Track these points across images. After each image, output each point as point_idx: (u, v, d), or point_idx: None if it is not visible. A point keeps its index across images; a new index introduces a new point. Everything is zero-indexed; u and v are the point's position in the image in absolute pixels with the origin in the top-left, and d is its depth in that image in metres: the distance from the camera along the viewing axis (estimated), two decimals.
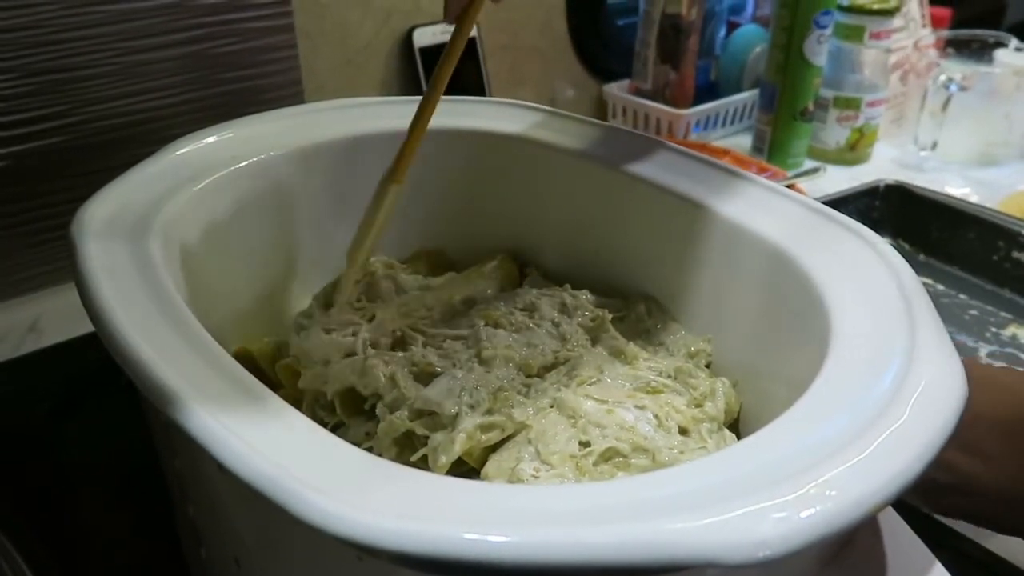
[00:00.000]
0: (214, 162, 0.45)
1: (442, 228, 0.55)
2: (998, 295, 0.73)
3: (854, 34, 0.89)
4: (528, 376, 0.41)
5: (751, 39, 0.98)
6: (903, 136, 1.00)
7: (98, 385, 0.56)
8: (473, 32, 0.83)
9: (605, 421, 0.37)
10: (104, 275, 0.34)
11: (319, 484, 0.24)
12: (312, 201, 0.50)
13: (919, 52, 0.97)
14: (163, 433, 0.37)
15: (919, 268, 0.67)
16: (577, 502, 0.25)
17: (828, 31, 0.86)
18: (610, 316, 0.45)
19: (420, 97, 0.44)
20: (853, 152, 0.94)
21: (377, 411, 0.39)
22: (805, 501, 0.24)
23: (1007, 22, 1.56)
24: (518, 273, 0.53)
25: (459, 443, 0.36)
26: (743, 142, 0.98)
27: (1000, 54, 0.92)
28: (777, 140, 0.91)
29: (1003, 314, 0.71)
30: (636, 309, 0.47)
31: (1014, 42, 0.93)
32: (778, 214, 0.41)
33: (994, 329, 0.69)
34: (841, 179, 0.90)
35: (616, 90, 0.99)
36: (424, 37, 0.84)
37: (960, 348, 0.35)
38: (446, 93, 0.44)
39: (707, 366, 0.44)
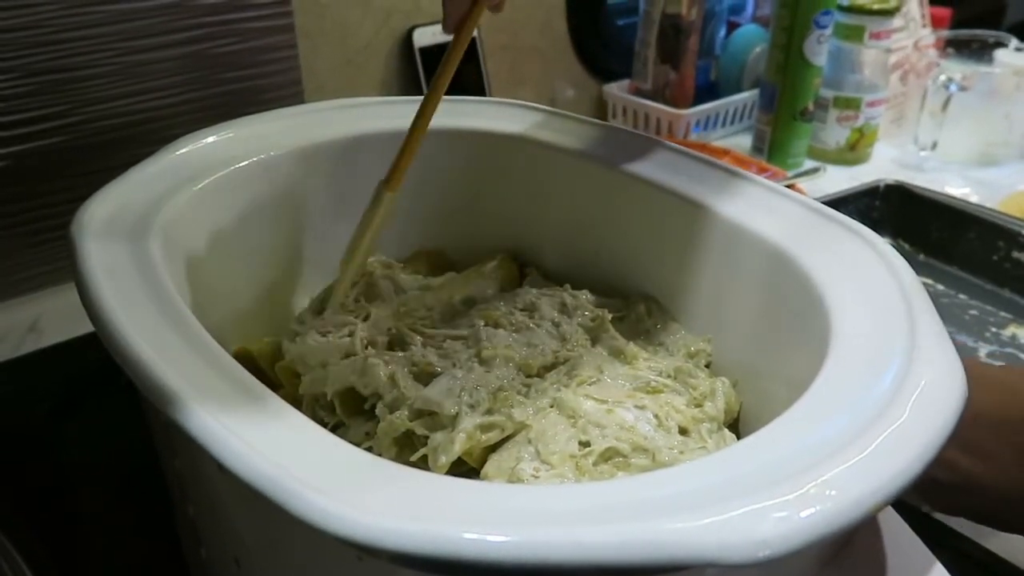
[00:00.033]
0: (214, 162, 0.45)
1: (442, 228, 0.55)
2: (998, 295, 0.73)
3: (854, 34, 0.89)
4: (528, 376, 0.41)
5: (751, 39, 0.98)
6: (903, 136, 1.00)
7: (98, 385, 0.56)
8: (473, 32, 0.83)
9: (605, 421, 0.37)
10: (104, 275, 0.34)
11: (319, 484, 0.24)
12: (312, 201, 0.50)
13: (919, 52, 0.97)
14: (163, 433, 0.37)
15: (919, 268, 0.67)
16: (577, 502, 0.25)
17: (828, 31, 0.86)
18: (610, 316, 0.45)
19: (420, 97, 0.44)
20: (853, 152, 0.94)
21: (377, 411, 0.39)
22: (805, 501, 0.24)
23: (1007, 22, 1.56)
24: (518, 273, 0.53)
25: (459, 443, 0.36)
26: (743, 142, 0.98)
27: (1000, 54, 0.92)
28: (777, 140, 0.91)
29: (1003, 314, 0.71)
30: (636, 309, 0.47)
31: (1014, 42, 0.93)
32: (778, 214, 0.41)
33: (994, 329, 0.69)
34: (841, 179, 0.90)
35: (616, 90, 0.99)
36: (424, 37, 0.84)
37: (960, 348, 0.35)
38: (447, 93, 0.44)
39: (707, 366, 0.44)
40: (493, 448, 0.38)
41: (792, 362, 0.37)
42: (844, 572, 0.30)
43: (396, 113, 0.50)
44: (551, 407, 0.39)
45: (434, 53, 0.84)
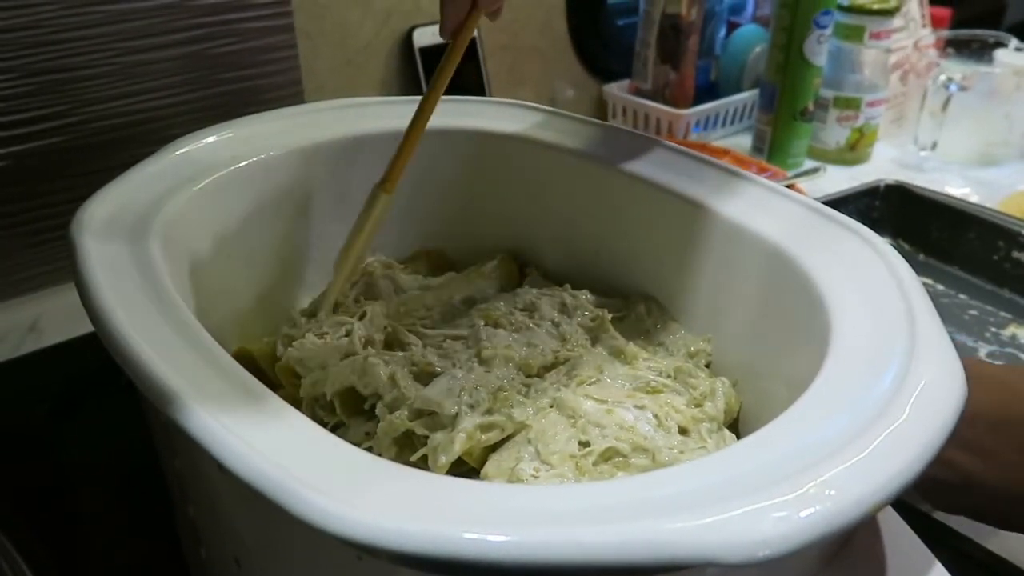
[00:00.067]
0: (214, 162, 0.45)
1: (442, 228, 0.55)
2: (998, 295, 0.73)
3: (854, 34, 0.89)
4: (528, 376, 0.41)
5: (751, 39, 0.98)
6: (903, 136, 1.00)
7: (98, 385, 0.56)
8: (473, 32, 0.83)
9: (605, 421, 0.37)
10: (104, 275, 0.34)
11: (319, 484, 0.24)
12: (312, 201, 0.50)
13: (919, 52, 0.97)
14: (163, 433, 0.37)
15: (919, 268, 0.67)
16: (577, 502, 0.25)
17: (828, 31, 0.86)
18: (610, 316, 0.45)
19: (420, 97, 0.44)
20: (853, 152, 0.94)
21: (377, 411, 0.39)
22: (805, 501, 0.24)
23: (1007, 22, 1.56)
24: (518, 273, 0.53)
25: (459, 443, 0.36)
26: (743, 142, 0.98)
27: (1000, 54, 0.92)
28: (777, 140, 0.91)
29: (1003, 314, 0.71)
30: (636, 309, 0.47)
31: (1014, 42, 0.93)
32: (778, 214, 0.41)
33: (994, 329, 0.69)
34: (841, 179, 0.90)
35: (616, 90, 0.99)
36: (424, 37, 0.84)
37: (960, 348, 0.35)
38: (447, 93, 0.44)
39: (707, 366, 0.44)
40: (493, 448, 0.38)
41: (792, 362, 0.37)
42: (844, 572, 0.30)
43: (396, 113, 0.49)
44: (551, 407, 0.39)
45: (434, 53, 0.84)
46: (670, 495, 0.25)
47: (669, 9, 0.90)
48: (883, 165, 0.95)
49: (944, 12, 1.05)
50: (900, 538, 0.32)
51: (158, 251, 0.37)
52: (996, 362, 0.65)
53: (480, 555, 0.22)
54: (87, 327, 0.32)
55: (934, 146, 0.93)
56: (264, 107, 0.51)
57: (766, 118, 0.92)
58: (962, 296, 0.74)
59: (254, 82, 0.69)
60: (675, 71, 0.93)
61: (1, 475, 0.50)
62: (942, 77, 0.90)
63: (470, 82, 0.87)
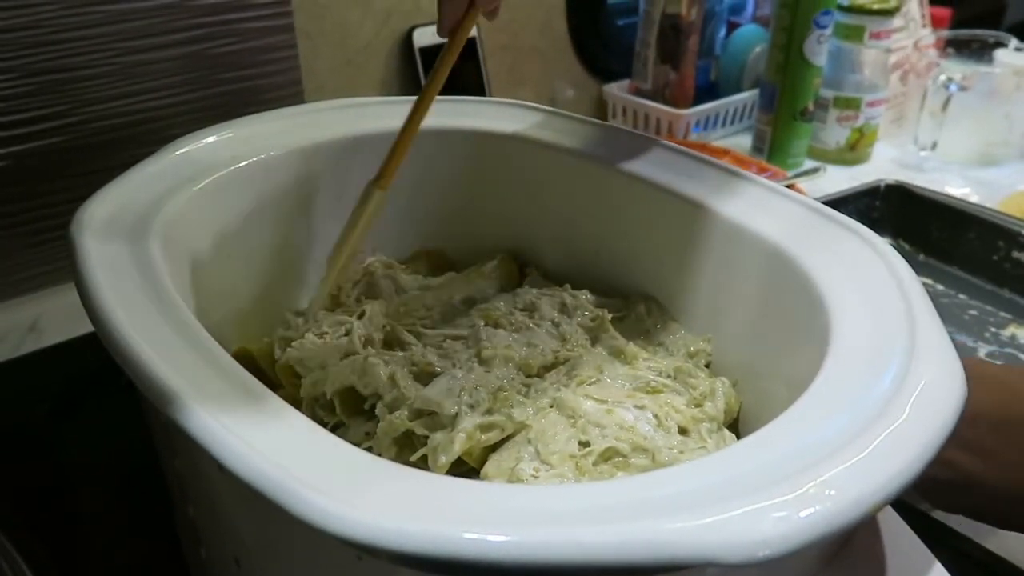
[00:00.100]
0: (214, 162, 0.45)
1: (442, 228, 0.55)
2: (998, 295, 0.73)
3: (854, 34, 0.89)
4: (528, 376, 0.41)
5: (751, 39, 0.98)
6: (903, 136, 1.00)
7: (98, 385, 0.56)
8: (473, 32, 0.83)
9: (605, 421, 0.37)
10: (104, 275, 0.34)
11: (319, 484, 0.24)
12: (312, 201, 0.50)
13: (919, 52, 0.97)
14: (163, 433, 0.37)
15: (919, 268, 0.67)
16: (577, 502, 0.25)
17: (828, 31, 0.86)
18: (610, 316, 0.45)
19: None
20: (853, 152, 0.94)
21: (377, 411, 0.39)
22: (805, 501, 0.24)
23: (1007, 22, 1.56)
24: (518, 273, 0.53)
25: (459, 443, 0.36)
26: (743, 142, 0.98)
27: (1000, 54, 0.92)
28: (777, 140, 0.91)
29: (1003, 314, 0.71)
30: (636, 309, 0.47)
31: (1014, 42, 0.93)
32: (778, 214, 0.41)
33: (994, 329, 0.69)
34: (841, 179, 0.90)
35: (616, 90, 0.99)
36: (424, 37, 0.84)
37: (960, 348, 0.35)
38: (447, 93, 0.44)
39: (707, 366, 0.44)
40: (493, 448, 0.38)
41: (792, 362, 0.37)
42: (844, 572, 0.30)
43: (396, 113, 0.49)
44: (551, 407, 0.39)
45: (434, 53, 0.83)
46: (670, 495, 0.25)
47: (669, 9, 0.90)
48: (883, 165, 0.95)
49: (944, 12, 1.05)
50: (900, 538, 0.32)
51: (158, 251, 0.37)
52: (996, 362, 0.65)
53: (480, 555, 0.22)
54: (87, 327, 0.32)
55: (934, 146, 0.93)
56: (264, 107, 0.51)
57: (766, 118, 0.92)
58: (962, 296, 0.74)
59: (254, 82, 0.69)
60: (675, 71, 0.93)
61: (1, 475, 0.50)
62: (942, 77, 0.90)
63: (470, 82, 0.87)
